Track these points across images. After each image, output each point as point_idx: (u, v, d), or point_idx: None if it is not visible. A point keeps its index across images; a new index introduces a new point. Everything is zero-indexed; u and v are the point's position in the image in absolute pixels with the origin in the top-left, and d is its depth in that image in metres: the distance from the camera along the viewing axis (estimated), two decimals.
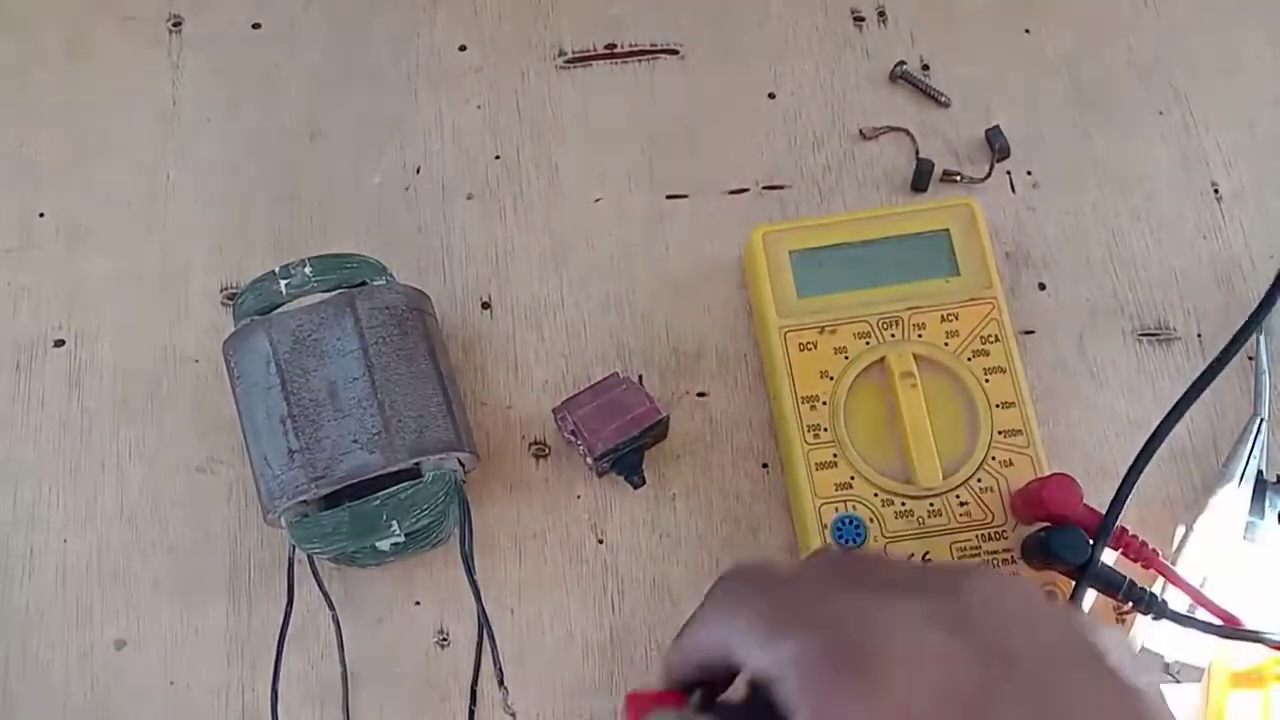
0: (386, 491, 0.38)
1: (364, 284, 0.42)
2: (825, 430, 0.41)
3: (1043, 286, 0.47)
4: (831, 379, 0.42)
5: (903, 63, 0.50)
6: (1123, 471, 0.40)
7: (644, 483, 0.42)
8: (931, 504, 0.40)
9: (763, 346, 0.45)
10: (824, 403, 0.42)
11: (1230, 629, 0.38)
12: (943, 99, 0.50)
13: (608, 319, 0.46)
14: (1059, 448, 0.44)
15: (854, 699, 0.24)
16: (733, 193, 0.48)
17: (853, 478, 0.41)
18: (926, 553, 0.40)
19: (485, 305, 0.47)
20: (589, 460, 0.42)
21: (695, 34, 0.51)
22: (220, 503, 0.44)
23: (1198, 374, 0.42)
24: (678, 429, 0.45)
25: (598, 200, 0.48)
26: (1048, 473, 0.40)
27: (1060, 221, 0.48)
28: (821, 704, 0.25)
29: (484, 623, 0.41)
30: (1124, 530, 0.39)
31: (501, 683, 0.40)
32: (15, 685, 0.42)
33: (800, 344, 0.42)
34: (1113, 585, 0.38)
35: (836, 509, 0.40)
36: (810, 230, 0.44)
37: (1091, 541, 0.38)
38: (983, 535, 0.40)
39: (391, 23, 0.51)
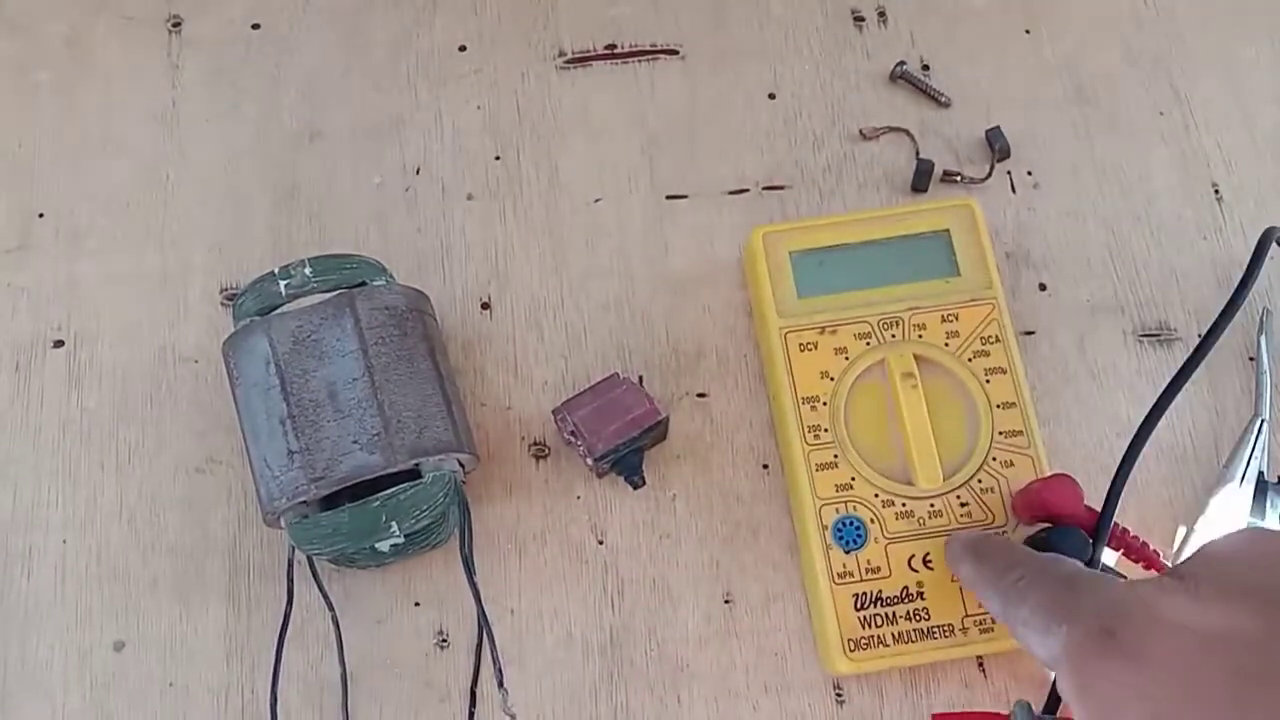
0: (386, 492, 0.38)
1: (364, 284, 0.42)
2: (826, 431, 0.41)
3: (1043, 287, 0.47)
4: (832, 379, 0.42)
5: (903, 63, 0.50)
6: None
7: (644, 483, 0.42)
8: (932, 505, 0.40)
9: (763, 347, 0.45)
10: (824, 403, 0.42)
11: None
12: (943, 99, 0.49)
13: (608, 319, 0.46)
14: (1059, 448, 0.44)
15: (1117, 673, 0.27)
16: (733, 193, 0.48)
17: (853, 478, 0.41)
18: (927, 554, 0.40)
19: (485, 306, 0.47)
20: (589, 461, 0.42)
21: (695, 34, 0.51)
22: (220, 503, 0.44)
23: (1196, 372, 0.42)
24: (678, 430, 0.45)
25: (598, 200, 0.48)
26: (1048, 473, 0.40)
27: (1060, 222, 0.48)
28: (1088, 683, 0.27)
29: (484, 624, 0.41)
30: (1125, 530, 0.39)
31: (501, 684, 0.40)
32: (14, 685, 0.42)
33: (800, 344, 0.42)
34: None
35: (837, 510, 0.40)
36: (810, 231, 0.44)
37: (1092, 541, 0.38)
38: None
39: (391, 23, 0.51)
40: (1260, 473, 0.42)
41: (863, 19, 0.51)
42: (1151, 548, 0.40)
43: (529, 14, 0.51)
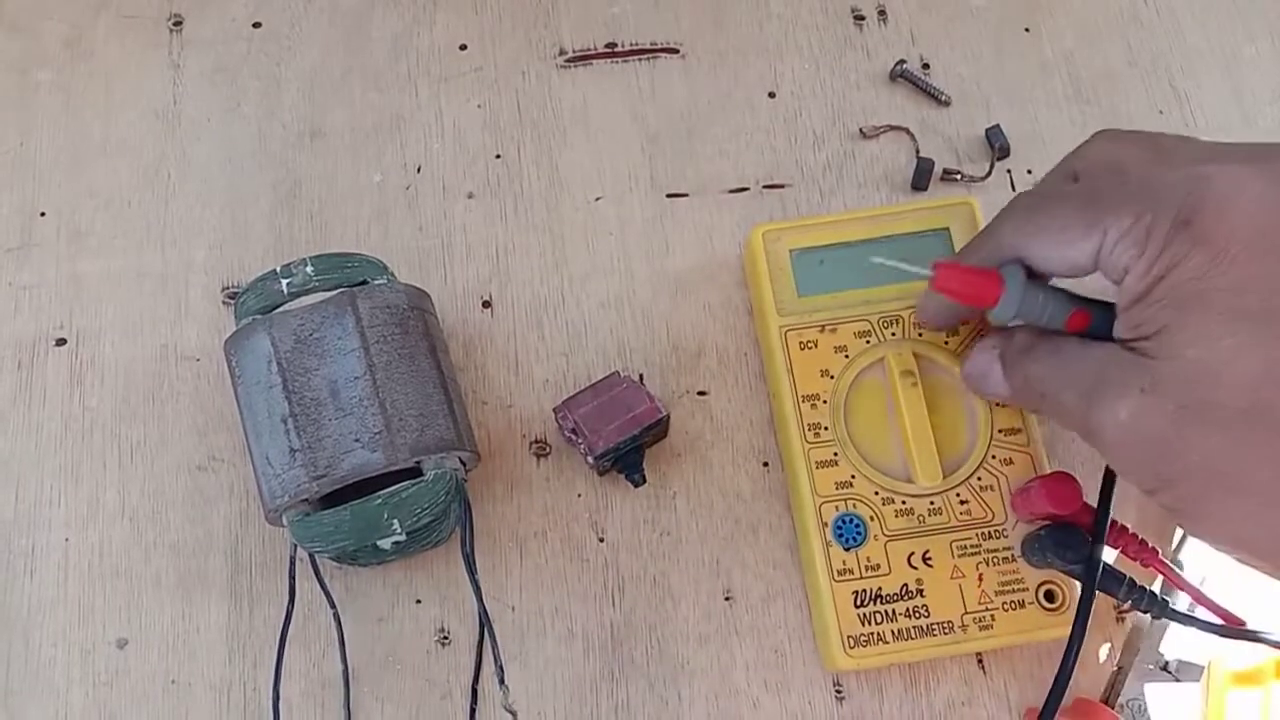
0: (388, 490, 0.38)
1: (365, 283, 0.42)
2: (826, 429, 0.41)
3: None
4: (832, 378, 0.42)
5: (903, 62, 0.50)
6: None
7: (644, 481, 0.42)
8: (932, 502, 0.40)
9: (763, 345, 0.45)
10: (824, 401, 0.42)
11: (1230, 628, 0.38)
12: (943, 98, 0.50)
13: (608, 318, 0.47)
14: (1059, 446, 0.44)
15: (1185, 244, 0.26)
16: (733, 192, 0.48)
17: (853, 476, 0.41)
18: (927, 551, 0.40)
19: (486, 304, 0.47)
20: (589, 459, 0.42)
21: (695, 33, 0.51)
22: (222, 501, 0.44)
23: None
24: (678, 428, 0.45)
25: (598, 199, 0.48)
26: (1048, 471, 0.40)
27: None
28: (1158, 257, 0.27)
29: (485, 621, 0.41)
30: (1124, 529, 0.39)
31: (502, 681, 0.40)
32: (17, 684, 0.42)
33: (801, 343, 0.43)
34: (1113, 584, 0.38)
35: (837, 507, 0.41)
36: (811, 229, 0.44)
37: (1091, 539, 0.38)
38: (983, 534, 0.40)
39: (391, 22, 0.51)
40: None
41: (863, 17, 0.51)
42: (1151, 545, 0.40)
43: (529, 13, 0.52)
